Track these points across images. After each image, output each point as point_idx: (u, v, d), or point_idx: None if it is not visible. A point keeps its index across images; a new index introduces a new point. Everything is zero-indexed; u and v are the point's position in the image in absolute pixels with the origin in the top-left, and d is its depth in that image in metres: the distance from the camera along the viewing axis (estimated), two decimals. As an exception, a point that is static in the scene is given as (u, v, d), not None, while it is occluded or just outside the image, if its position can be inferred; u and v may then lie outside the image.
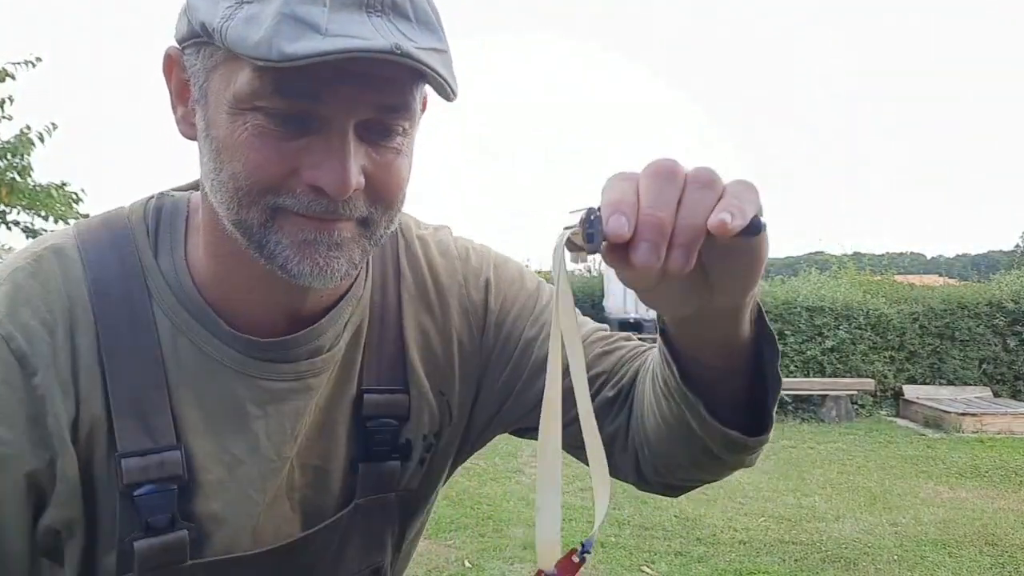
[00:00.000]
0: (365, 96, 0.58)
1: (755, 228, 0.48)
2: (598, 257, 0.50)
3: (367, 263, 0.78)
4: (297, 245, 0.61)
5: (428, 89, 0.64)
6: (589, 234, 0.48)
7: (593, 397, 0.76)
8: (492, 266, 0.86)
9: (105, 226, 0.71)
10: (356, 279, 0.76)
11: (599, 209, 0.48)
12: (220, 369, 0.69)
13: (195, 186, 0.75)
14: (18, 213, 7.29)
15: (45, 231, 7.44)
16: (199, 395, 0.68)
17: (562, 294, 0.54)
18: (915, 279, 14.16)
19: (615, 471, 0.80)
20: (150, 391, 0.66)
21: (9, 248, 8.84)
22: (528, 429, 0.85)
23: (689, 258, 0.49)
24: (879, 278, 11.90)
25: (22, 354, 0.63)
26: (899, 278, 12.77)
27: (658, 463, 0.76)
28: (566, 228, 0.50)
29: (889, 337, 9.67)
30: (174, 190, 0.77)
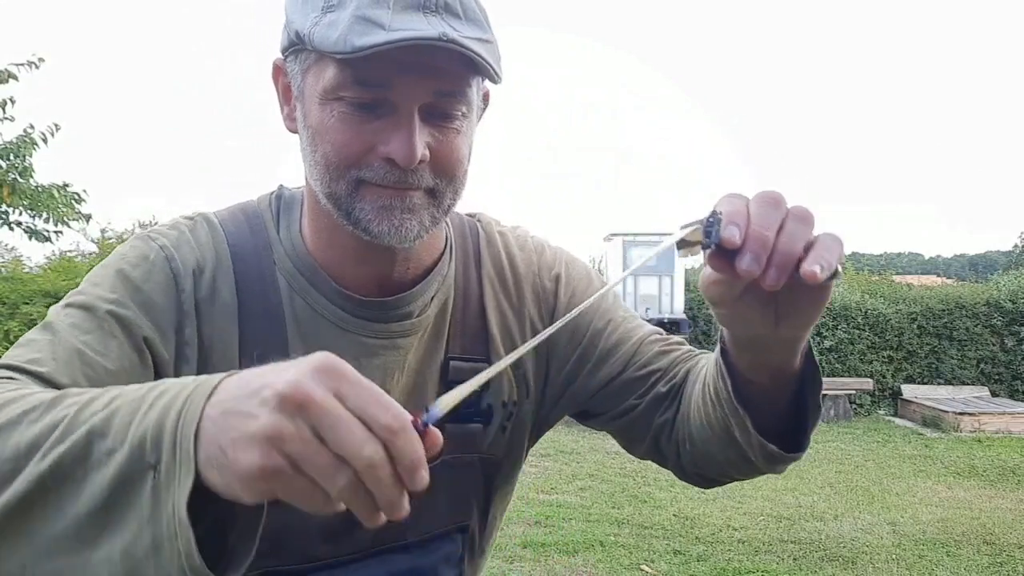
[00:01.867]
0: (425, 83, 0.70)
1: (833, 276, 0.57)
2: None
3: (451, 249, 0.90)
4: (376, 210, 0.73)
5: (490, 86, 0.78)
6: (707, 231, 0.55)
7: (648, 391, 0.88)
8: (564, 263, 0.97)
9: (240, 209, 0.86)
10: (440, 259, 0.88)
11: (720, 214, 0.56)
12: (326, 325, 0.81)
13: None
14: (20, 214, 7.29)
15: (47, 232, 7.44)
16: (308, 346, 0.79)
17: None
18: (913, 279, 14.20)
19: (659, 458, 0.91)
20: (272, 340, 0.79)
21: (11, 248, 8.86)
22: (590, 415, 0.95)
23: (780, 278, 0.57)
24: (877, 278, 11.94)
25: (177, 272, 0.77)
26: (897, 278, 12.82)
27: (697, 459, 0.85)
28: (683, 227, 0.58)
29: (887, 337, 9.71)
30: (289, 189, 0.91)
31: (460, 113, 0.74)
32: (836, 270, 0.57)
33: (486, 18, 0.72)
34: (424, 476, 0.49)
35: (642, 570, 4.10)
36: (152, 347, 0.75)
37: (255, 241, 0.82)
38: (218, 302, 0.78)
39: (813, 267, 0.56)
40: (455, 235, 0.91)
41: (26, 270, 8.67)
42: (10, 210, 7.20)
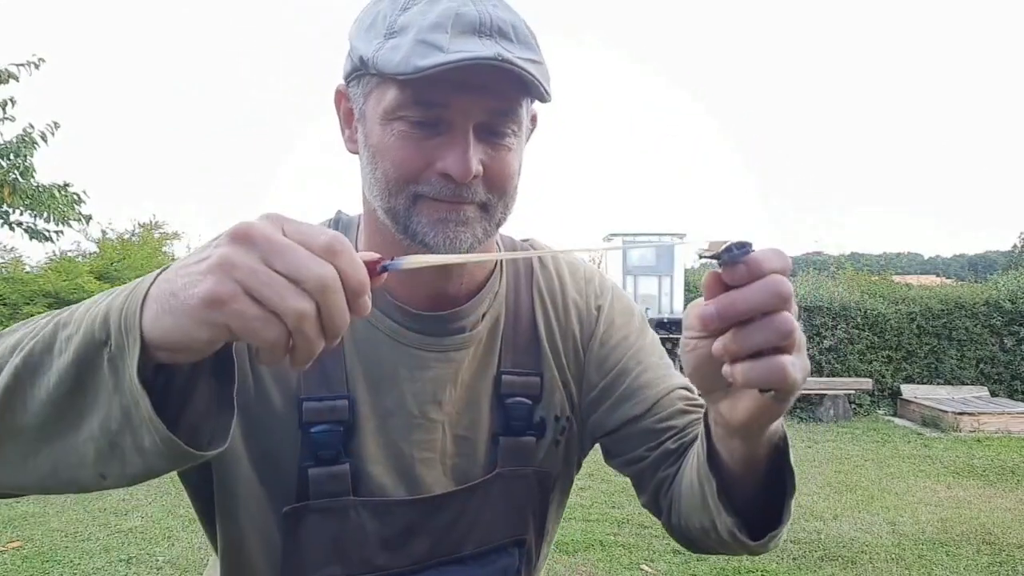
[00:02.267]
0: (480, 103, 0.74)
1: (768, 391, 0.58)
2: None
3: (502, 270, 0.94)
4: (432, 223, 0.77)
5: (539, 107, 0.81)
6: (729, 249, 0.55)
7: (659, 446, 0.90)
8: (610, 296, 1.00)
9: None
10: (491, 277, 0.92)
11: (751, 246, 0.55)
12: (382, 338, 0.86)
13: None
14: (21, 214, 7.30)
15: (48, 231, 7.45)
16: (364, 357, 0.85)
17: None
18: (913, 279, 14.20)
19: (656, 511, 0.94)
20: (331, 351, 0.78)
21: (11, 248, 8.86)
22: (608, 452, 0.97)
23: (719, 351, 0.56)
24: (877, 278, 11.94)
25: None
26: (897, 278, 12.82)
27: (682, 518, 0.87)
28: (714, 242, 0.57)
29: (887, 337, 9.71)
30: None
31: (511, 131, 0.77)
32: (771, 390, 0.57)
33: (536, 42, 0.76)
34: (367, 302, 0.51)
35: (642, 570, 4.10)
36: None
37: None
38: None
39: (736, 369, 0.55)
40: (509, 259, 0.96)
41: (27, 270, 8.67)
42: (11, 210, 7.21)
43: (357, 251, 0.81)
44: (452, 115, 0.74)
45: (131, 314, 0.51)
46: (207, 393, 0.58)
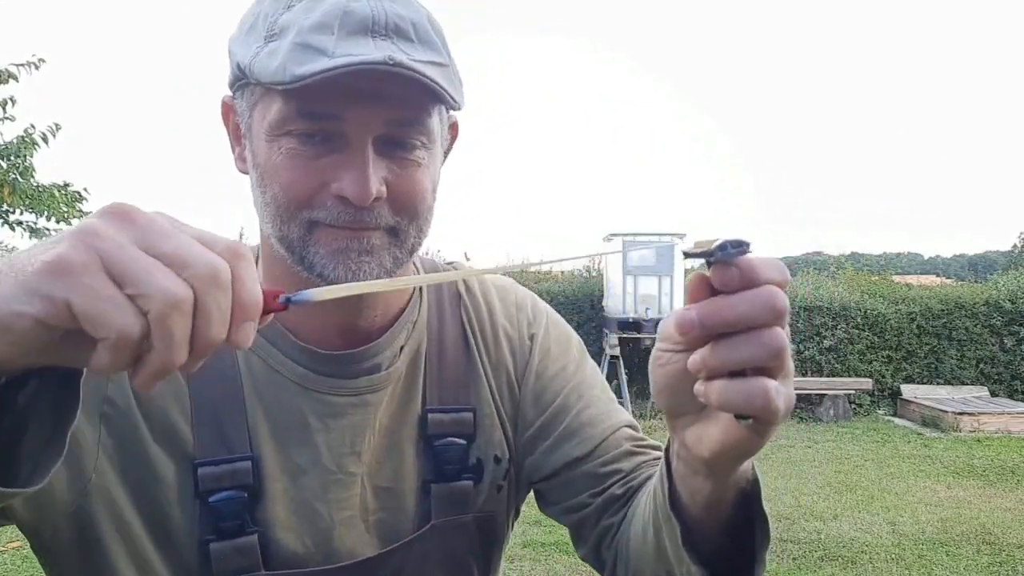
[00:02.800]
0: (378, 113, 0.65)
1: (743, 418, 0.50)
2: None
3: (421, 295, 0.84)
4: (332, 254, 0.67)
5: (457, 115, 0.72)
6: (722, 247, 0.47)
7: (603, 491, 0.80)
8: (544, 323, 0.89)
9: None
10: (408, 305, 0.82)
11: (748, 246, 0.47)
12: (286, 384, 0.75)
13: None
14: (21, 213, 7.30)
15: (48, 231, 7.45)
16: (268, 408, 0.74)
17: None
18: (913, 279, 14.21)
19: (598, 563, 0.82)
20: (227, 405, 0.73)
21: (12, 248, 8.85)
22: (545, 499, 0.86)
23: (696, 365, 0.49)
24: (877, 278, 11.94)
25: None
26: (897, 278, 12.84)
27: (629, 570, 0.76)
28: (700, 241, 0.49)
29: (887, 337, 9.71)
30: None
31: (419, 143, 0.68)
32: (749, 418, 0.49)
33: (443, 40, 0.67)
34: (250, 330, 0.42)
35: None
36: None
37: None
38: None
39: (712, 387, 0.48)
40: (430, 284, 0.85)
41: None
42: (11, 209, 7.21)
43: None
44: (346, 128, 0.64)
45: None
46: (46, 427, 0.47)
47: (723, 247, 0.46)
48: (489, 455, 0.83)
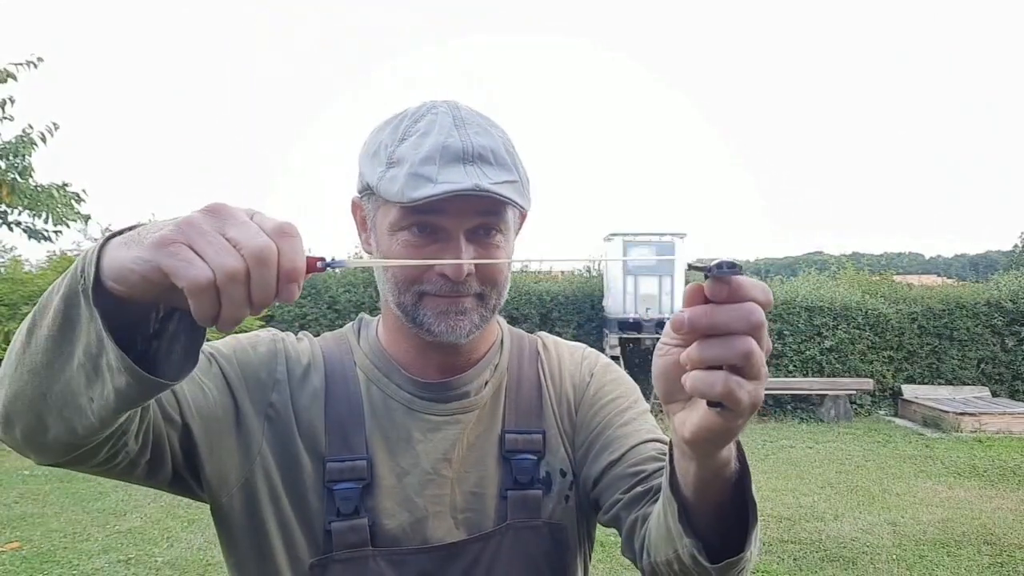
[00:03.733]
0: (468, 218, 0.88)
1: (717, 405, 0.59)
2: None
3: (502, 344, 1.08)
4: (436, 315, 0.92)
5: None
6: (720, 266, 0.57)
7: (630, 489, 0.94)
8: (603, 368, 1.10)
9: (331, 334, 1.07)
10: (489, 351, 1.05)
11: (740, 268, 0.57)
12: (396, 406, 0.99)
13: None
14: (19, 213, 7.29)
15: (47, 231, 7.45)
16: (382, 424, 0.97)
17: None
18: (914, 279, 14.21)
19: (632, 555, 0.95)
20: (351, 418, 0.97)
21: (11, 248, 8.86)
22: (597, 507, 1.00)
23: (685, 359, 0.59)
24: (878, 278, 11.95)
25: (279, 352, 0.98)
26: (898, 278, 12.82)
27: (651, 555, 0.87)
28: (701, 258, 0.60)
29: (888, 337, 9.70)
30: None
31: (498, 231, 0.91)
32: (720, 403, 0.58)
33: (513, 160, 0.90)
34: (294, 289, 0.58)
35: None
36: (235, 394, 0.92)
37: (340, 350, 1.02)
38: (308, 386, 0.97)
39: (688, 375, 0.58)
40: (512, 337, 1.09)
41: (26, 270, 8.66)
42: (9, 210, 7.20)
43: (377, 337, 1.03)
44: (446, 224, 0.88)
45: (94, 249, 0.61)
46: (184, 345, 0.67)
47: (719, 266, 0.57)
48: (556, 469, 1.01)
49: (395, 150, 0.88)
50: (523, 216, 1.00)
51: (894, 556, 4.42)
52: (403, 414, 0.98)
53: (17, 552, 4.48)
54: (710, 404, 0.59)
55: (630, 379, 1.11)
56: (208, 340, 0.76)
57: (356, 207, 0.99)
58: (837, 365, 9.57)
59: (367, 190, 0.93)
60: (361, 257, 0.95)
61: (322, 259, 0.61)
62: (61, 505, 5.42)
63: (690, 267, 0.59)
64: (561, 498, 1.00)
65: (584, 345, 1.15)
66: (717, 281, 0.57)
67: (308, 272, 0.59)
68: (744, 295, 0.57)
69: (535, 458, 1.00)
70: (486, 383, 1.03)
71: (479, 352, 1.03)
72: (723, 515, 0.73)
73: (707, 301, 0.58)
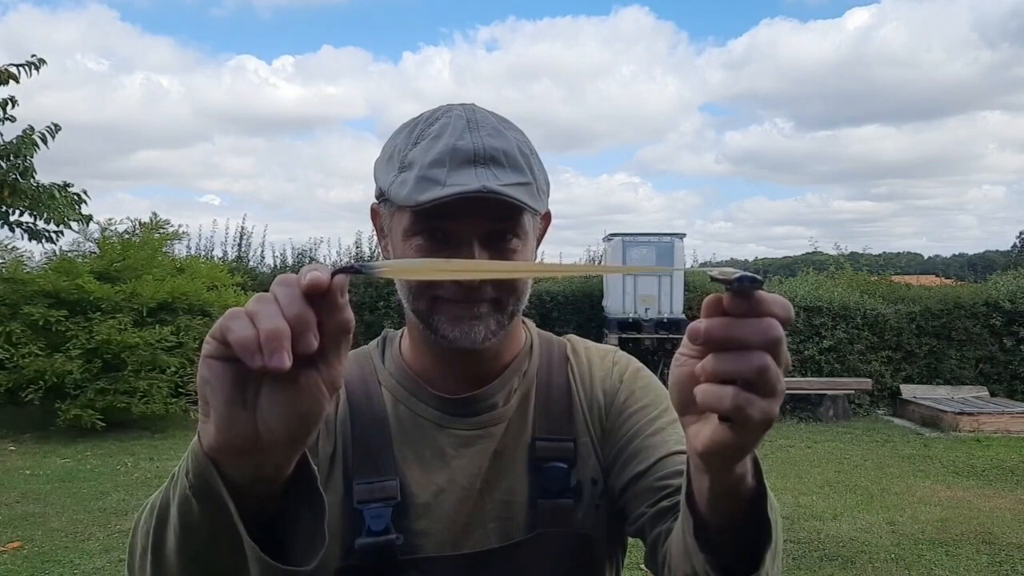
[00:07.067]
0: (479, 222, 0.87)
1: (726, 419, 0.57)
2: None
3: (531, 349, 1.06)
4: (450, 320, 0.90)
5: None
6: (741, 279, 0.55)
7: (656, 503, 0.92)
8: (633, 373, 1.07)
9: (353, 353, 1.05)
10: (516, 358, 1.04)
11: (762, 283, 0.56)
12: (426, 424, 0.98)
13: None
14: (20, 214, 7.29)
15: (48, 232, 7.45)
16: (413, 443, 0.97)
17: None
18: (912, 279, 14.21)
19: (655, 568, 0.94)
20: (378, 440, 0.97)
21: (12, 248, 8.86)
22: (622, 517, 0.99)
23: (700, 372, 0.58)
24: (876, 278, 11.96)
25: None
26: (896, 278, 12.84)
27: (670, 571, 0.85)
28: (724, 270, 0.57)
29: (886, 337, 9.72)
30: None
31: (514, 235, 0.90)
32: (728, 420, 0.57)
33: (527, 161, 0.89)
34: (312, 340, 0.55)
35: (642, 569, 4.10)
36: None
37: (362, 372, 1.02)
38: (336, 417, 0.97)
39: (699, 387, 0.57)
40: (540, 341, 1.07)
41: (26, 270, 8.66)
42: (11, 210, 7.21)
43: (401, 353, 1.04)
44: (459, 229, 0.87)
45: (195, 445, 0.60)
46: (306, 527, 0.66)
47: (741, 280, 0.55)
48: (587, 478, 0.99)
49: (407, 154, 0.87)
50: (546, 220, 0.99)
51: (892, 555, 4.44)
52: (433, 432, 0.97)
53: (19, 552, 4.49)
54: (722, 418, 0.58)
55: (660, 384, 1.06)
56: None
57: (375, 214, 0.98)
58: (836, 365, 9.59)
59: (382, 196, 0.92)
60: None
61: (351, 266, 0.59)
62: (62, 505, 5.43)
63: (712, 280, 0.57)
64: (592, 507, 0.99)
65: (615, 348, 1.13)
66: (737, 295, 0.55)
67: (343, 272, 0.58)
68: (764, 310, 0.55)
69: (566, 467, 0.98)
70: (514, 391, 1.01)
71: (504, 359, 1.02)
72: (742, 533, 0.70)
73: (725, 313, 0.56)
